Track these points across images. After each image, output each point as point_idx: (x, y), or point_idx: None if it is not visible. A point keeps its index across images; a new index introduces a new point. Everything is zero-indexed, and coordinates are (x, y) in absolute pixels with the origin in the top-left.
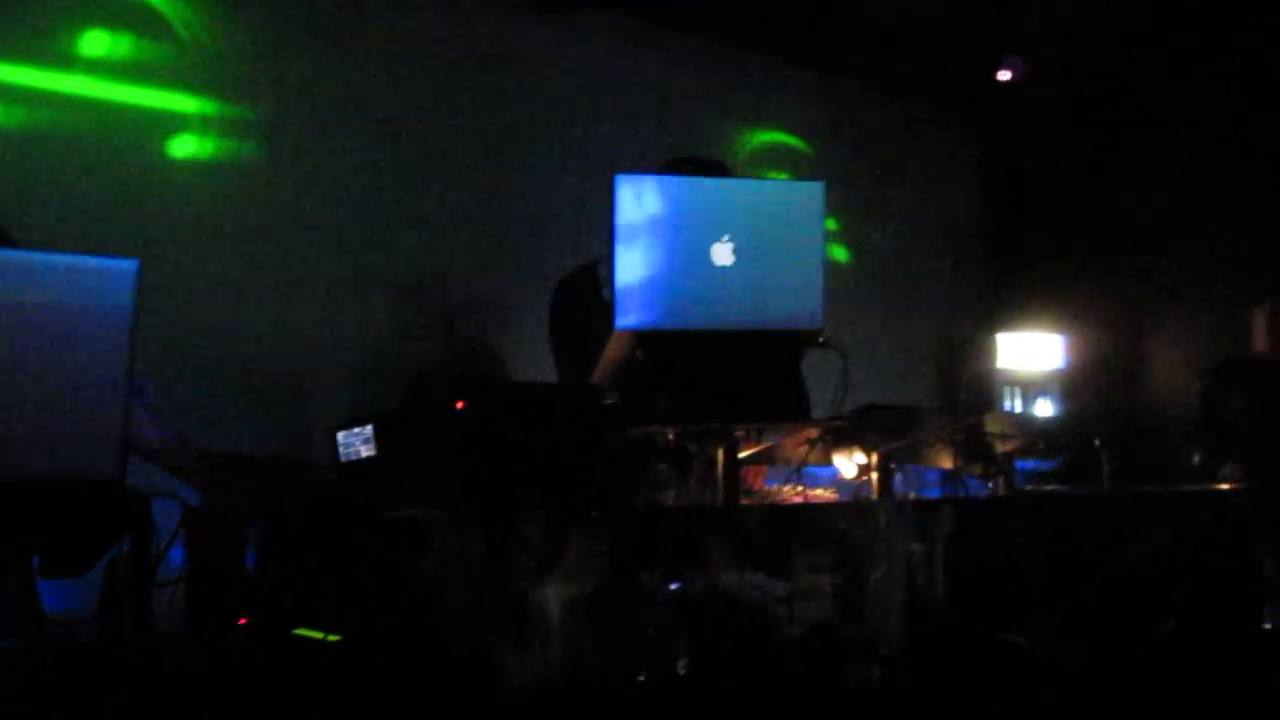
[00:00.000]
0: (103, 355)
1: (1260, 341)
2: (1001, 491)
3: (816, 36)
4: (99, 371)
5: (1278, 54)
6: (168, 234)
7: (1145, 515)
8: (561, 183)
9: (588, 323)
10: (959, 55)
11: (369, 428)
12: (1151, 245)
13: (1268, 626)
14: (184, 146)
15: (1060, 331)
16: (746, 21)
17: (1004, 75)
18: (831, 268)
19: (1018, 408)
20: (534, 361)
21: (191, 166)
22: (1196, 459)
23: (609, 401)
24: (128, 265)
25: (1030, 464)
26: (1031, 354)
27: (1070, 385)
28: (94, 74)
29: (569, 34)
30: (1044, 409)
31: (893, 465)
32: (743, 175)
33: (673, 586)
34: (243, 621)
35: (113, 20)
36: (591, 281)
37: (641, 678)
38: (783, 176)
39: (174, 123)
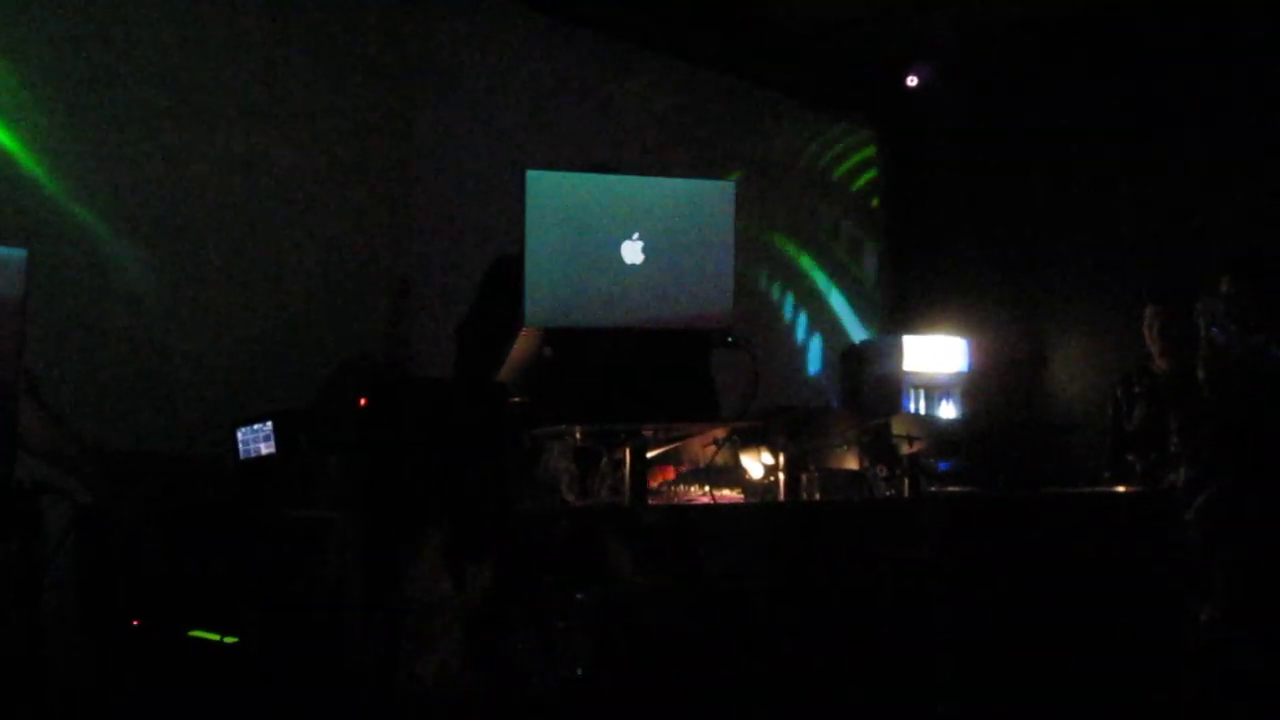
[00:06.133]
0: None
1: (1150, 343)
2: (907, 492)
3: (724, 40)
4: None
5: (1174, 66)
6: (62, 224)
7: (1054, 516)
8: (474, 179)
9: (497, 315)
10: (864, 62)
11: (269, 425)
12: (1052, 251)
13: (1204, 619)
14: (83, 135)
15: (963, 335)
16: (664, 24)
17: (911, 82)
18: (740, 269)
19: (922, 409)
20: (442, 360)
21: (87, 155)
22: (1138, 465)
23: (514, 399)
24: (15, 254)
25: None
26: (935, 357)
27: (973, 387)
28: None
29: (483, 31)
30: (948, 411)
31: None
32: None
33: (579, 596)
34: (136, 623)
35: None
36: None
37: (534, 680)
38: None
39: (71, 109)
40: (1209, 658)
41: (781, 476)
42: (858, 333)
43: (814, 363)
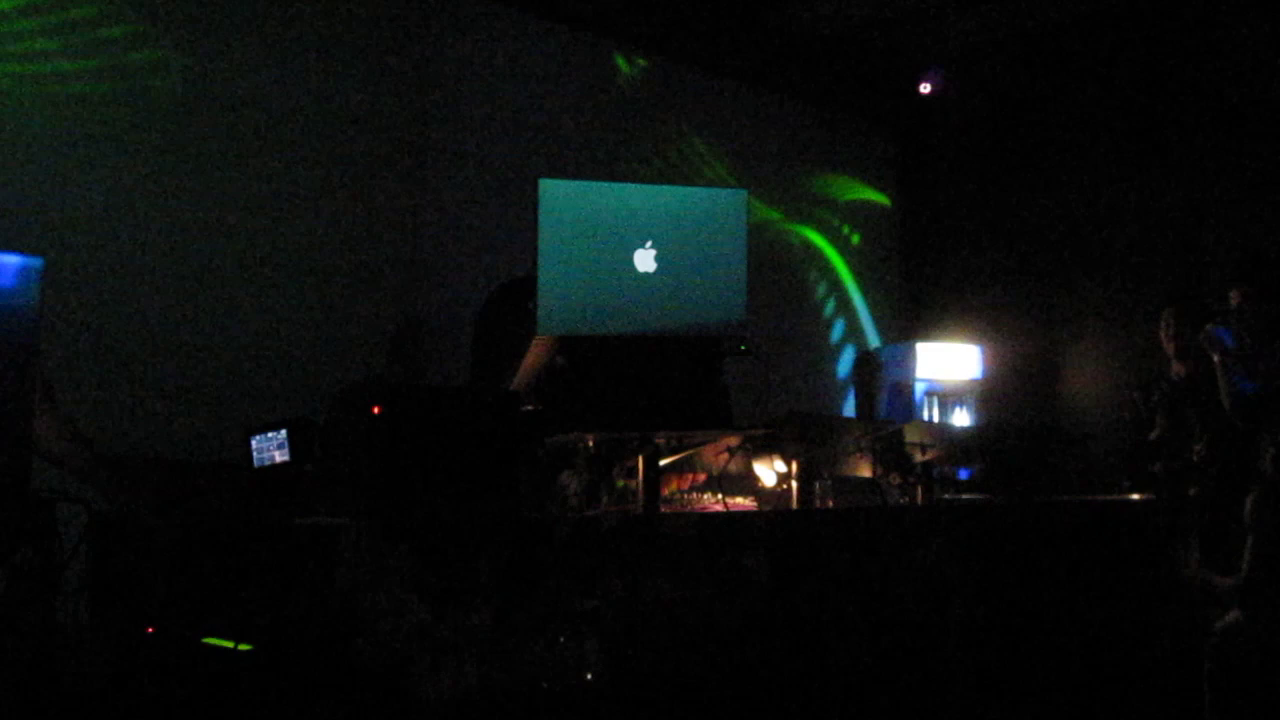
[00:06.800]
0: (5, 355)
1: (1167, 347)
2: (920, 500)
3: (740, 47)
4: (1, 372)
5: (1189, 74)
6: (78, 232)
7: (1065, 523)
8: (486, 187)
9: (512, 329)
10: (879, 69)
11: (283, 432)
12: (1066, 257)
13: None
14: (94, 140)
15: (978, 342)
16: (672, 31)
17: (924, 88)
18: (752, 276)
19: (935, 417)
20: (453, 367)
21: (101, 162)
22: (1158, 469)
23: (528, 408)
24: (32, 263)
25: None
26: (949, 364)
27: (987, 395)
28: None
29: (497, 40)
30: (961, 418)
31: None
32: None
33: (590, 603)
34: (150, 630)
35: None
36: (523, 291)
37: (545, 685)
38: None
39: (83, 116)
40: (1226, 662)
41: (794, 484)
42: (872, 339)
43: (827, 370)
